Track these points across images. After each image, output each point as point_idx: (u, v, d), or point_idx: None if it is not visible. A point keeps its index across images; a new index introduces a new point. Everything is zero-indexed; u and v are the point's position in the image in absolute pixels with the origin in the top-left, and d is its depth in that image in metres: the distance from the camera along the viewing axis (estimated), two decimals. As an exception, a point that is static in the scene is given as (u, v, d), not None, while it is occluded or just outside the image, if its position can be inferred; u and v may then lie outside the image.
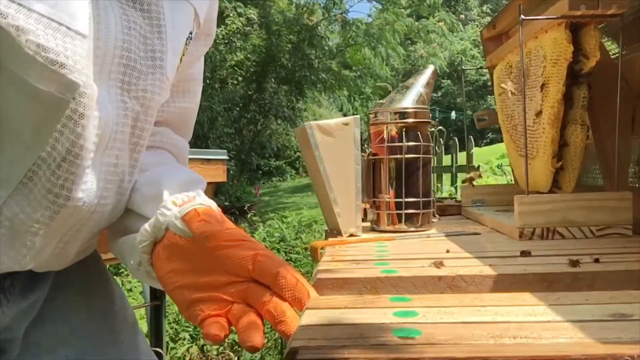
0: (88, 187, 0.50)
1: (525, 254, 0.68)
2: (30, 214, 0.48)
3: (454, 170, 5.72)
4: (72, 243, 0.54)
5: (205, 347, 2.54)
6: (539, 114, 0.91)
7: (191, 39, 0.62)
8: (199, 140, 7.66)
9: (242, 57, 9.51)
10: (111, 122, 0.51)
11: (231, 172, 8.38)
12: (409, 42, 10.44)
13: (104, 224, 0.58)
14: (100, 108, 0.49)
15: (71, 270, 0.61)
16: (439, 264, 0.62)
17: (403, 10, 9.73)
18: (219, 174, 3.22)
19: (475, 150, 5.55)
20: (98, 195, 0.52)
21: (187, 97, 0.71)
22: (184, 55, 0.62)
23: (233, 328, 0.47)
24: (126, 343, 0.67)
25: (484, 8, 24.23)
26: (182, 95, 0.70)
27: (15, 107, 0.45)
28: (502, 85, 0.89)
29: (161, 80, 0.56)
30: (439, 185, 5.62)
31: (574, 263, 0.59)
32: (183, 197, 0.54)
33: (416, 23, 9.99)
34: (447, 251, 0.73)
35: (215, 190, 3.86)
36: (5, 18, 0.41)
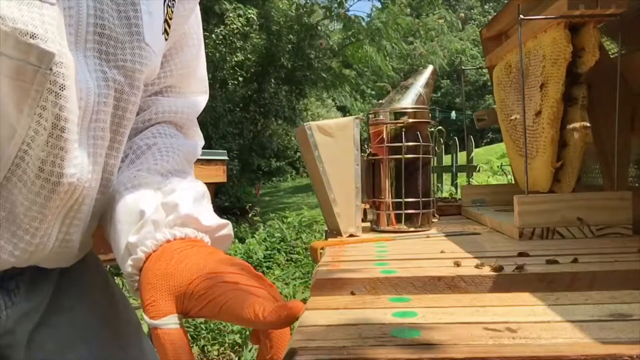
0: (79, 162, 0.50)
1: (523, 255, 0.68)
2: (27, 196, 0.48)
3: (454, 170, 5.71)
4: (75, 228, 0.54)
5: (205, 348, 2.54)
6: (538, 113, 0.91)
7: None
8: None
9: (242, 58, 9.51)
10: (93, 93, 0.50)
11: (234, 171, 8.39)
12: (410, 40, 10.44)
13: (99, 208, 0.57)
14: (80, 79, 0.48)
15: (73, 272, 0.60)
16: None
17: (403, 7, 9.74)
18: (219, 175, 3.22)
19: (475, 150, 5.55)
20: (90, 170, 0.51)
21: (186, 52, 0.68)
22: (170, 18, 0.60)
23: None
24: (132, 345, 0.67)
25: (486, 7, 24.22)
26: (181, 51, 0.67)
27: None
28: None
29: (141, 48, 0.54)
30: (439, 185, 5.62)
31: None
32: (154, 240, 0.50)
33: (416, 20, 10.01)
34: (443, 252, 0.73)
35: (215, 191, 3.86)
36: None
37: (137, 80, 0.55)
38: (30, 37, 0.43)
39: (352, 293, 0.57)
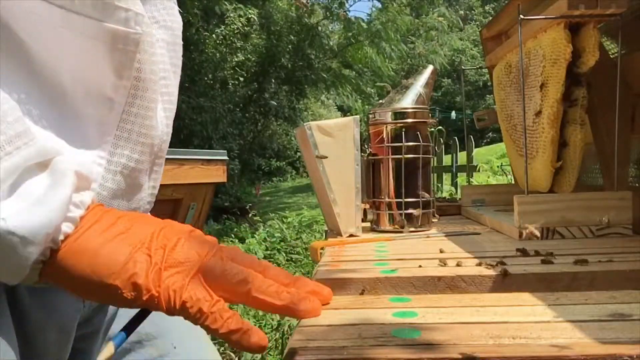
0: (159, 114, 0.52)
1: (521, 252, 0.68)
2: (132, 157, 0.49)
3: (454, 170, 5.72)
4: (156, 182, 0.56)
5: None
6: (538, 113, 0.91)
7: None
8: (202, 141, 7.66)
9: (243, 58, 9.52)
10: (159, 48, 0.52)
11: (235, 171, 8.38)
12: (410, 40, 10.45)
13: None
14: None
15: None
16: (443, 262, 0.62)
17: (403, 7, 9.75)
18: (219, 174, 3.23)
19: (475, 150, 5.55)
20: (165, 124, 0.54)
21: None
22: None
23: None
24: (201, 337, 0.66)
25: (487, 8, 24.22)
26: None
27: (95, 61, 0.44)
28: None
29: (172, 7, 0.56)
30: (439, 185, 5.62)
31: (581, 262, 0.59)
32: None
33: (416, 20, 10.02)
34: (441, 251, 0.73)
35: (215, 190, 3.86)
36: None
37: (179, 38, 0.57)
38: (123, 2, 0.44)
39: (362, 292, 0.57)
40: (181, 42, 0.58)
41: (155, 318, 0.57)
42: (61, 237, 0.37)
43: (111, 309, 0.59)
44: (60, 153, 0.39)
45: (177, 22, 0.57)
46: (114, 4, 0.44)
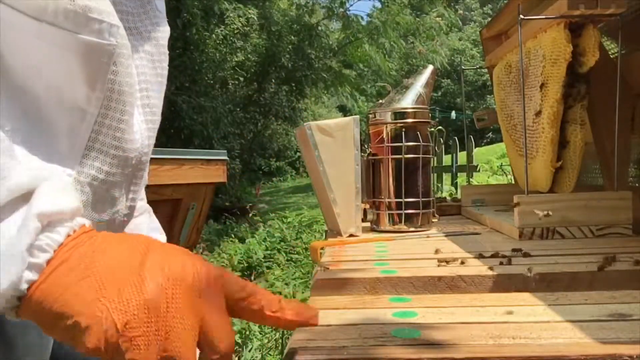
0: (140, 126, 0.52)
1: (517, 251, 0.68)
2: (102, 169, 0.48)
3: (454, 170, 5.72)
4: (135, 195, 0.56)
5: (205, 348, 2.53)
6: (538, 113, 0.91)
7: None
8: (203, 141, 7.67)
9: (243, 58, 9.52)
10: (139, 59, 0.52)
11: (237, 170, 8.38)
12: (410, 40, 10.45)
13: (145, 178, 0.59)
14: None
15: None
16: (445, 261, 0.62)
17: (403, 6, 9.74)
18: (219, 174, 3.23)
19: (475, 150, 5.55)
20: (145, 135, 0.53)
21: None
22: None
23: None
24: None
25: (486, 9, 24.22)
26: None
27: (68, 72, 0.44)
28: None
29: (156, 16, 0.56)
30: (439, 185, 5.62)
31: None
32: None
33: (417, 20, 10.02)
34: (437, 251, 0.73)
35: (215, 190, 3.86)
36: None
37: (164, 47, 0.57)
38: (97, 13, 0.44)
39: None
40: (166, 52, 0.57)
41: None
42: (25, 286, 0.36)
43: None
44: (34, 185, 0.38)
45: (162, 32, 0.56)
46: (88, 15, 0.43)
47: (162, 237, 0.68)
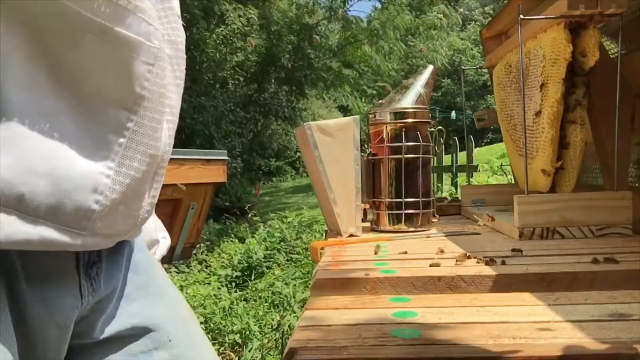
0: (163, 128, 0.53)
1: (516, 251, 0.68)
2: (140, 169, 0.50)
3: (454, 170, 5.72)
4: (156, 191, 0.56)
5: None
6: (538, 113, 0.91)
7: None
8: (205, 140, 7.67)
9: (243, 58, 9.52)
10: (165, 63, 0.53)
11: (238, 169, 8.38)
12: (410, 40, 10.45)
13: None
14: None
15: (140, 259, 0.62)
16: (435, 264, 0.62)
17: (403, 7, 9.75)
18: (219, 174, 3.23)
19: (475, 150, 5.55)
20: (167, 135, 0.55)
21: None
22: None
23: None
24: (197, 333, 0.67)
25: (486, 9, 24.22)
26: None
27: (118, 71, 0.45)
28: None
29: (176, 21, 0.56)
30: (439, 185, 5.62)
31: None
32: None
33: (417, 20, 10.02)
34: (442, 251, 0.73)
35: (215, 190, 3.86)
36: None
37: (182, 52, 0.57)
38: (147, 15, 0.45)
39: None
40: (184, 56, 0.58)
41: (151, 312, 0.56)
42: None
43: (108, 309, 0.59)
44: None
45: (181, 36, 0.58)
46: (140, 17, 0.45)
47: (166, 239, 0.69)
